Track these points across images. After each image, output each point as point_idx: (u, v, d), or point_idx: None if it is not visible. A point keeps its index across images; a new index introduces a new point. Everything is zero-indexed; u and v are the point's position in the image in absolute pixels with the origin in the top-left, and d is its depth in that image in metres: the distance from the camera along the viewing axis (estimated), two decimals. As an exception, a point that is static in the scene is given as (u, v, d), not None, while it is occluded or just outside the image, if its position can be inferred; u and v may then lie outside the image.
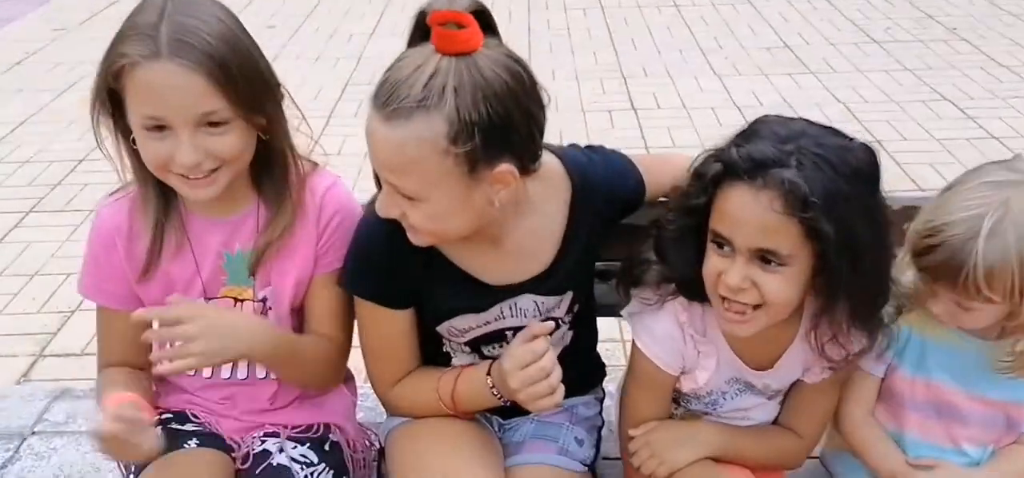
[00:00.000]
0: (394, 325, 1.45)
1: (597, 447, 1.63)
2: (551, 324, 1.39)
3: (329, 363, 1.56)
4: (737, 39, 5.90)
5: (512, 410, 1.50)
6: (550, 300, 1.47)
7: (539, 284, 1.44)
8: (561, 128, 3.96)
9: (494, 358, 1.45)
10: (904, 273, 1.42)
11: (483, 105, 1.21)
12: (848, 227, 1.22)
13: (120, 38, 1.32)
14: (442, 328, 1.48)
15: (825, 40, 5.92)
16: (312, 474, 1.51)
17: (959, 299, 1.34)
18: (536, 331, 1.35)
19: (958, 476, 1.49)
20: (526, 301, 1.45)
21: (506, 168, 1.27)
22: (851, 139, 1.29)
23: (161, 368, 1.38)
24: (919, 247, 1.34)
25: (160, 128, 1.32)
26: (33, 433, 2.39)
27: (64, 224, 3.77)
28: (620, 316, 1.53)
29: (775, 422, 1.53)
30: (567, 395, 1.40)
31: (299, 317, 1.54)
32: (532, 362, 1.32)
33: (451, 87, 1.20)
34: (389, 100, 1.23)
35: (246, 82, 1.34)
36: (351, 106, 4.97)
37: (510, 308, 1.45)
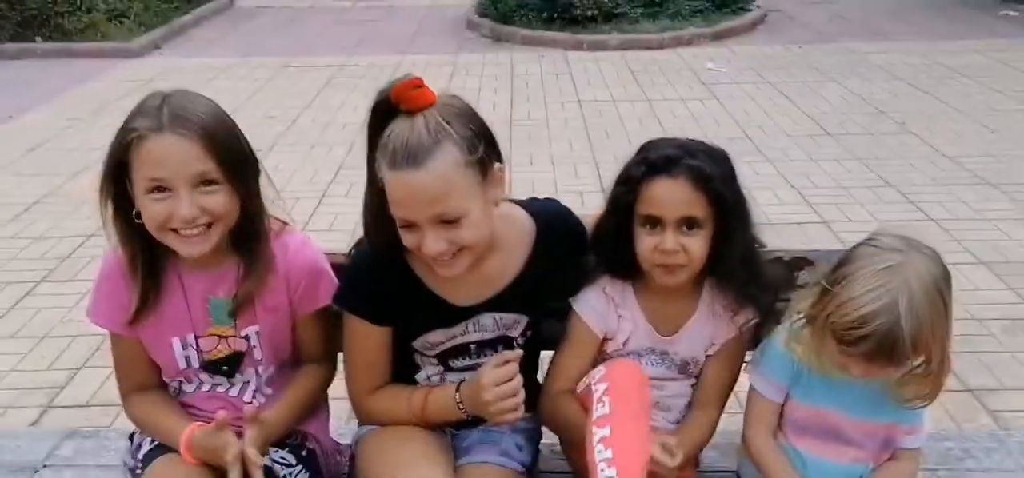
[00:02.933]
0: (375, 339, 1.77)
1: (536, 454, 1.93)
2: (520, 353, 1.69)
3: (324, 385, 1.91)
4: (702, 129, 6.27)
5: (465, 422, 1.80)
6: (508, 317, 1.79)
7: (499, 303, 1.77)
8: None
9: (461, 375, 1.76)
10: (797, 320, 1.72)
11: (470, 124, 1.58)
12: (736, 195, 1.70)
13: (129, 119, 1.60)
14: (417, 343, 1.79)
15: (783, 132, 6.33)
16: (291, 474, 1.80)
17: (880, 365, 1.59)
18: (509, 357, 1.66)
19: None
20: (487, 318, 1.78)
21: (499, 166, 1.64)
22: (713, 145, 1.75)
23: None
24: (849, 338, 1.55)
25: (161, 189, 1.58)
26: (44, 467, 2.64)
27: (72, 293, 4.07)
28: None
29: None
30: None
31: (295, 345, 1.86)
32: (506, 380, 1.64)
33: (444, 122, 1.55)
34: (411, 155, 1.52)
35: (231, 151, 1.62)
36: (343, 188, 5.33)
37: (474, 324, 1.78)
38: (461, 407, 1.73)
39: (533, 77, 8.12)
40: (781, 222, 4.48)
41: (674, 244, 1.66)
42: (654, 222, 1.68)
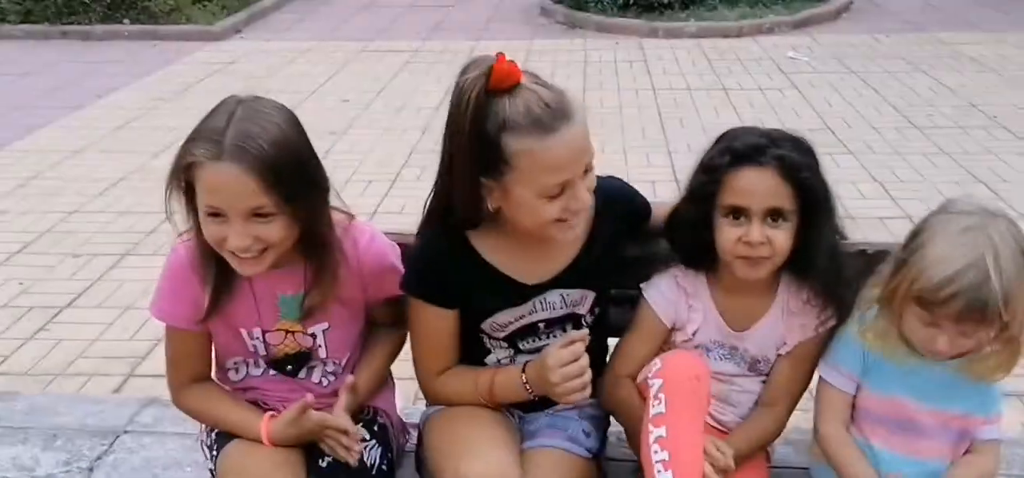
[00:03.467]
0: (443, 323, 1.77)
1: (603, 441, 1.91)
2: (587, 333, 1.68)
3: (400, 346, 1.93)
4: (780, 120, 6.11)
5: (532, 405, 1.81)
6: (574, 294, 1.78)
7: (564, 279, 1.76)
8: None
9: (530, 357, 1.75)
10: (870, 309, 1.68)
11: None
12: (823, 187, 1.66)
13: (194, 137, 1.57)
14: (485, 325, 1.78)
15: (867, 124, 6.13)
16: (365, 447, 1.81)
17: (968, 330, 1.54)
18: (575, 337, 1.65)
19: None
20: (554, 296, 1.77)
21: None
22: (797, 134, 1.69)
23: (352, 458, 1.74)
24: (938, 299, 1.53)
25: (217, 215, 1.58)
26: (125, 432, 2.75)
27: (154, 266, 4.07)
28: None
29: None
30: (577, 395, 1.69)
31: (368, 323, 1.90)
32: (572, 361, 1.63)
33: (556, 86, 1.60)
34: (560, 112, 1.56)
35: (291, 182, 1.58)
36: (414, 171, 5.38)
37: (540, 303, 1.77)
38: (527, 387, 1.72)
39: (607, 64, 8.04)
40: (862, 216, 4.33)
41: (760, 236, 1.62)
42: (738, 213, 1.64)
